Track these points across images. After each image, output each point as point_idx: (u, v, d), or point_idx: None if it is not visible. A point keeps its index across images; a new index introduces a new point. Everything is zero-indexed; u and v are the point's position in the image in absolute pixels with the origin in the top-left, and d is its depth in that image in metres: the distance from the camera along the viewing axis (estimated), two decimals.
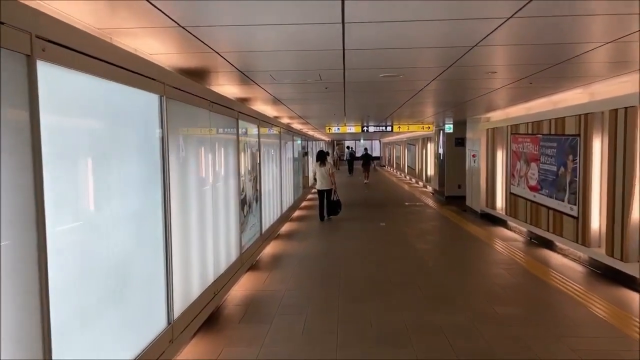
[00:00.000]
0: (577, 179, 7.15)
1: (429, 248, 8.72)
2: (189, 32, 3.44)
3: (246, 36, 3.64)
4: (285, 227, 10.61)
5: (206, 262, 4.64)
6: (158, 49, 3.97)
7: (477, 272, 6.91)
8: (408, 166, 26.39)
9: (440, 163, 17.06)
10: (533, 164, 8.71)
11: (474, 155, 12.60)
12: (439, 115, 12.98)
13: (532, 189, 8.80)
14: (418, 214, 12.95)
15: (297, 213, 12.98)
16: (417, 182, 23.31)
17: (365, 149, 27.98)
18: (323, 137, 32.42)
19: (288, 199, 11.33)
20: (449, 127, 14.89)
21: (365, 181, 23.94)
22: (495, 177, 11.04)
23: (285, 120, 12.70)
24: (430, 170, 19.84)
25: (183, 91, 3.91)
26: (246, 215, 6.47)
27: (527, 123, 8.98)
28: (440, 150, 16.91)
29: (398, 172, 31.59)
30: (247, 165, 6.62)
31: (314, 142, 23.41)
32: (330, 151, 28.42)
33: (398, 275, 6.66)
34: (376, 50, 4.17)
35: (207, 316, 4.68)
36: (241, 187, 6.17)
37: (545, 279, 6.45)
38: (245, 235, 6.36)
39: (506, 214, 10.30)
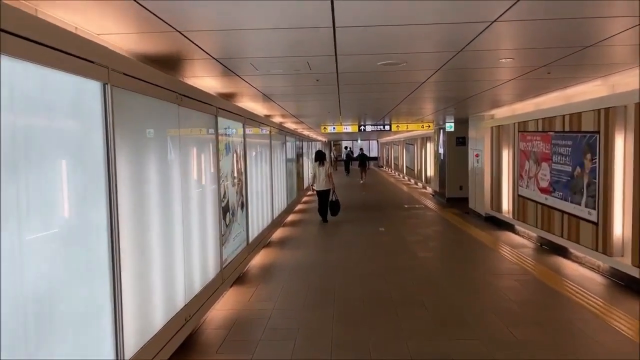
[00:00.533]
0: (597, 181, 6.45)
1: (433, 256, 8.02)
2: (141, 5, 2.74)
3: (214, 11, 2.95)
4: (278, 233, 9.90)
5: (174, 285, 3.93)
6: (108, 27, 3.27)
7: (488, 286, 6.21)
8: (406, 167, 25.73)
9: (440, 163, 16.38)
10: (544, 164, 8.03)
11: (477, 155, 11.92)
12: (440, 113, 12.30)
13: (543, 191, 8.12)
14: (418, 218, 12.26)
15: (291, 217, 12.28)
16: (416, 183, 22.63)
17: (361, 149, 28.00)
18: (319, 138, 31.75)
19: (280, 204, 10.63)
20: (449, 126, 14.21)
21: (361, 181, 23.95)
22: (501, 178, 10.36)
23: (277, 120, 12.00)
24: (430, 171, 19.17)
25: (138, 79, 3.20)
26: (229, 224, 5.77)
27: (537, 120, 8.30)
28: (441, 150, 16.23)
29: (396, 173, 30.92)
30: (230, 168, 5.92)
31: (310, 143, 22.71)
32: (326, 152, 28.25)
33: (400, 290, 5.95)
34: (371, 29, 3.47)
35: (178, 346, 3.97)
36: (222, 193, 5.46)
37: (563, 292, 5.76)
38: (227, 248, 5.65)
39: (514, 217, 9.61)
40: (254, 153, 7.71)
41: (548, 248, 8.11)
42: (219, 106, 5.42)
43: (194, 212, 4.48)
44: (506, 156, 10.17)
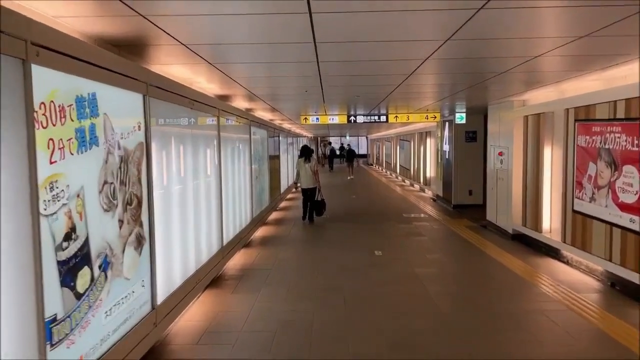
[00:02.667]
0: None
1: (462, 309, 5.28)
2: None
3: None
4: (234, 263, 7.10)
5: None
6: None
7: None
8: (400, 165, 23.03)
9: (444, 163, 13.68)
10: (629, 168, 5.33)
11: (500, 154, 9.22)
12: (448, 102, 9.61)
13: (624, 207, 5.43)
14: (424, 234, 9.53)
15: (261, 232, 9.49)
16: (411, 185, 19.95)
17: (349, 145, 28.60)
18: (305, 133, 28.96)
19: (240, 218, 7.80)
20: (460, 117, 11.51)
21: (349, 177, 23.51)
22: (541, 185, 7.66)
23: (240, 104, 9.18)
24: (430, 171, 16.48)
25: None
26: (85, 294, 2.88)
27: (614, 102, 5.61)
28: (446, 147, 13.53)
29: (388, 172, 28.24)
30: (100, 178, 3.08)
31: (293, 139, 19.89)
32: (314, 149, 25.91)
33: None
34: None
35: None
36: (65, 228, 2.61)
37: None
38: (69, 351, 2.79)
39: (563, 240, 6.92)
40: (186, 149, 4.90)
41: (621, 289, 5.45)
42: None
43: None
44: (549, 155, 7.48)
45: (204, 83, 6.27)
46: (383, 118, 11.44)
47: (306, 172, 10.32)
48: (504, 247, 8.17)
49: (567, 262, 6.94)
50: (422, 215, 11.92)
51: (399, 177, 23.67)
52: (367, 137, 43.54)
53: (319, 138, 45.69)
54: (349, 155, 24.85)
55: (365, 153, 45.17)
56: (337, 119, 11.50)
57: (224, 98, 7.87)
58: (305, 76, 6.01)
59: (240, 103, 9.03)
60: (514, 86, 7.06)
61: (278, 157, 12.98)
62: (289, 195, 16.40)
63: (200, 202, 5.36)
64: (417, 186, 18.90)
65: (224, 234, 6.27)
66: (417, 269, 6.73)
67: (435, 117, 11.40)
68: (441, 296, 5.53)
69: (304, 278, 6.33)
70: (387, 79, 6.45)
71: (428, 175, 16.70)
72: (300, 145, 23.83)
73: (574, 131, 6.52)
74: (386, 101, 9.57)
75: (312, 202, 10.38)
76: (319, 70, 5.44)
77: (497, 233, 9.33)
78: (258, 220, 9.28)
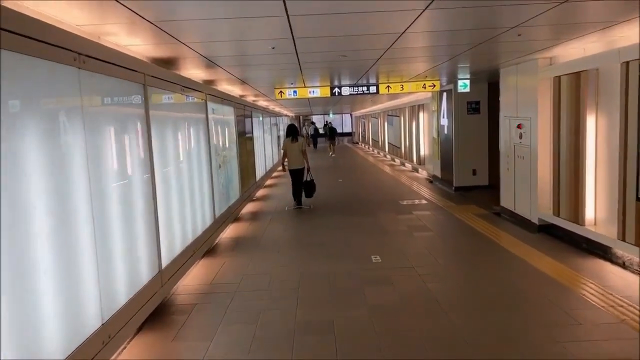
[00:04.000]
0: None
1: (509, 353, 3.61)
2: None
3: None
4: (187, 282, 5.34)
5: None
6: None
7: None
8: (389, 143, 21.29)
9: (443, 139, 11.98)
10: None
11: (520, 127, 7.52)
12: (449, 67, 7.87)
13: None
14: (430, 228, 7.85)
15: (230, 232, 7.72)
16: (402, 164, 18.27)
17: (330, 123, 29.31)
18: (285, 112, 27.02)
19: (194, 222, 5.99)
20: (463, 85, 9.76)
21: (331, 154, 24.35)
22: (583, 164, 5.98)
23: (195, 74, 7.29)
24: (425, 149, 14.79)
25: None
26: None
27: None
28: (444, 121, 11.81)
29: (375, 151, 26.52)
30: None
31: (273, 118, 18.01)
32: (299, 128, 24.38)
33: None
34: None
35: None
36: None
37: None
38: None
39: (620, 236, 5.27)
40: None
41: None
42: None
43: None
44: (593, 125, 5.79)
45: (123, 38, 4.39)
46: (373, 89, 9.63)
47: (294, 152, 9.80)
48: (530, 242, 6.54)
49: (622, 265, 5.32)
50: (422, 201, 10.23)
51: (388, 156, 21.96)
52: (351, 115, 41.67)
53: (301, 117, 43.75)
54: (331, 132, 25.94)
55: (350, 131, 43.32)
56: (319, 91, 9.66)
57: (167, 64, 5.97)
58: (274, 38, 4.19)
59: (195, 73, 7.15)
60: (539, 37, 5.31)
61: (252, 139, 11.11)
62: (268, 182, 14.58)
63: (111, 222, 3.53)
64: (409, 165, 17.22)
65: (162, 255, 4.46)
66: (430, 283, 5.05)
67: (434, 86, 9.62)
68: (474, 334, 3.85)
69: (276, 310, 4.57)
70: (375, 41, 4.67)
71: (422, 153, 15.01)
72: (283, 125, 22.06)
73: (639, 91, 4.81)
74: (375, 68, 7.79)
75: (301, 183, 9.94)
76: (290, 29, 3.61)
77: (517, 223, 7.69)
78: (225, 219, 7.49)
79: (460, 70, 8.82)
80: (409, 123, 16.48)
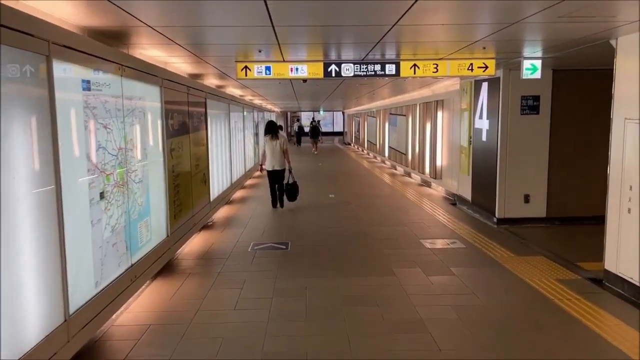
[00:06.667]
0: None
1: None
2: None
3: None
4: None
5: None
6: None
7: None
8: (391, 148, 17.82)
9: (480, 148, 8.56)
10: None
11: None
12: (527, 32, 4.50)
13: None
14: (491, 309, 4.40)
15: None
16: (408, 175, 14.85)
17: (317, 122, 29.01)
18: (269, 107, 23.44)
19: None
20: (532, 69, 6.29)
21: (314, 151, 24.64)
22: None
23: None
24: (442, 159, 11.37)
25: None
26: None
27: None
28: (481, 124, 8.39)
29: (371, 154, 23.09)
30: None
31: (249, 112, 14.46)
32: (282, 125, 21.75)
33: None
34: None
35: None
36: None
37: None
38: None
39: None
40: None
41: None
42: None
43: None
44: None
45: None
46: (390, 69, 6.14)
47: (274, 151, 9.05)
48: None
49: None
50: (455, 242, 6.76)
51: (387, 162, 18.53)
52: (343, 113, 38.16)
53: (288, 113, 40.10)
54: (314, 131, 26.50)
55: (341, 130, 39.81)
56: (306, 69, 6.14)
57: None
58: None
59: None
60: None
61: (202, 140, 7.51)
62: (239, 193, 11.02)
63: None
64: (416, 177, 13.80)
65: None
66: None
67: (486, 68, 6.16)
68: None
69: None
70: None
71: (439, 164, 11.58)
72: (259, 120, 18.26)
73: None
74: (396, 33, 4.40)
75: (281, 186, 9.19)
76: None
77: None
78: (112, 297, 3.91)
79: (532, 42, 5.41)
80: (420, 124, 13.02)
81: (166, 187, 5.29)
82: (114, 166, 3.91)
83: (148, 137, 4.80)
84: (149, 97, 4.91)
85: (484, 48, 5.53)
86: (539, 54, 6.12)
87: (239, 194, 11.33)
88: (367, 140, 24.52)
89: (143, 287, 4.77)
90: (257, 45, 5.34)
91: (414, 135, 13.71)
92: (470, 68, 6.14)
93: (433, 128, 11.83)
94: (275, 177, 9.14)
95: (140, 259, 4.49)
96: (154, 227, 4.98)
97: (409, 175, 14.80)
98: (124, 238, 4.11)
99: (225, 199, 9.43)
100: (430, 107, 12.08)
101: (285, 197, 9.21)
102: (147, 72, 4.74)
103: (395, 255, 6.09)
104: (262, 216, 8.70)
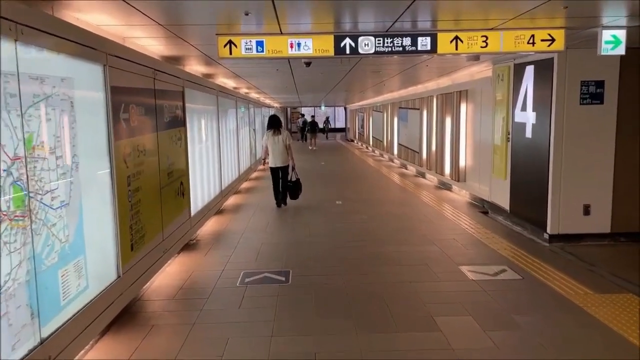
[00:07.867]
0: None
1: None
2: None
3: None
4: None
5: None
6: None
7: None
8: (401, 145, 16.23)
9: (522, 147, 6.99)
10: None
11: None
12: None
13: None
14: None
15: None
16: (421, 176, 13.30)
17: (313, 116, 29.23)
18: (268, 101, 21.89)
19: None
20: (614, 42, 4.73)
21: (311, 147, 24.19)
22: None
23: None
24: (466, 159, 9.82)
25: None
26: None
27: None
28: (523, 117, 6.82)
29: (377, 152, 21.54)
30: None
31: (247, 109, 12.89)
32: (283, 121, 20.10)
33: None
34: None
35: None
36: None
37: None
38: None
39: None
40: None
41: None
42: None
43: None
44: None
45: None
46: (424, 43, 4.57)
47: (277, 147, 8.70)
48: None
49: None
50: (506, 271, 5.21)
51: (396, 161, 16.97)
52: (345, 108, 36.57)
53: (288, 109, 38.48)
54: (312, 126, 27.06)
55: (344, 127, 38.21)
56: (311, 44, 4.58)
57: None
58: None
59: None
60: None
61: (180, 142, 5.95)
62: (231, 200, 9.46)
63: None
64: (432, 178, 12.26)
65: None
66: None
67: (553, 41, 4.60)
68: None
69: None
70: None
71: (462, 164, 10.02)
72: (255, 116, 16.56)
73: None
74: None
75: (285, 184, 8.86)
76: None
77: None
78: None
79: (611, 5, 3.87)
80: (438, 119, 11.45)
81: (115, 208, 3.73)
82: (0, 187, 2.37)
83: (78, 139, 3.24)
84: (82, 80, 3.35)
85: (532, 16, 3.94)
86: (623, 22, 4.55)
87: (232, 200, 9.78)
88: (373, 137, 22.93)
89: (77, 357, 3.23)
90: (243, 1, 3.76)
91: (430, 131, 12.14)
92: (531, 41, 4.57)
93: (455, 123, 10.26)
94: (278, 174, 8.82)
95: (64, 323, 2.95)
96: (94, 269, 3.43)
97: (423, 176, 13.25)
98: (25, 300, 2.57)
99: (213, 209, 7.88)
100: (450, 99, 10.50)
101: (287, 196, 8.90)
102: (73, 40, 3.17)
103: (432, 294, 4.54)
104: (257, 231, 7.16)
